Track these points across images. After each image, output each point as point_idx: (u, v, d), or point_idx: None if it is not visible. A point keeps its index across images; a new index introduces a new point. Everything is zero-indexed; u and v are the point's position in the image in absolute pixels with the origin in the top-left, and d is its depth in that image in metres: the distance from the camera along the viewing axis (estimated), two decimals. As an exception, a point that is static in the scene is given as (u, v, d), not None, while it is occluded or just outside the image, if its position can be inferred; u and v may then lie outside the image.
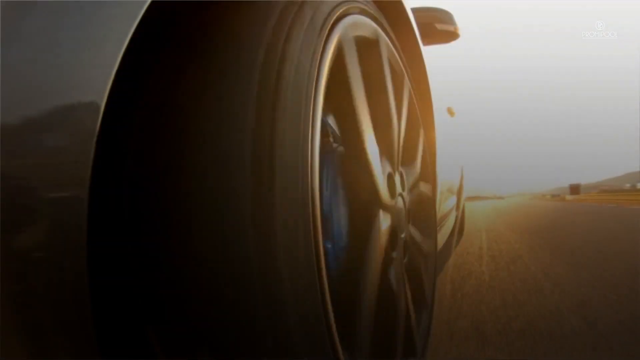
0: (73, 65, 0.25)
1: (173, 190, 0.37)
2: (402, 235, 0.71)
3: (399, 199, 0.71)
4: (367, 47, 0.64)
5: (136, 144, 0.39)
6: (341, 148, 0.56)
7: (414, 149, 0.94)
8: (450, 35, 1.42)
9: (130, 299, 0.39)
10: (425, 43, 1.21)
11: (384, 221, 0.60)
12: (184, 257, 0.37)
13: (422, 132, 0.99)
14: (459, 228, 3.46)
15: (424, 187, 0.97)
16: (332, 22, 0.49)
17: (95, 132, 0.25)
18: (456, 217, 2.96)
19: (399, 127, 0.76)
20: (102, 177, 0.32)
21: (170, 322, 0.40)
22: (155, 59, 0.41)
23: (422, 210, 0.98)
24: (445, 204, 1.65)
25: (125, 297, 0.39)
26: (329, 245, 0.52)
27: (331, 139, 0.55)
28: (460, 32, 1.44)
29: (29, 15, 0.23)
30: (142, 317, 0.39)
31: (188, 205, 0.37)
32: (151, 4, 0.29)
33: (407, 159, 0.88)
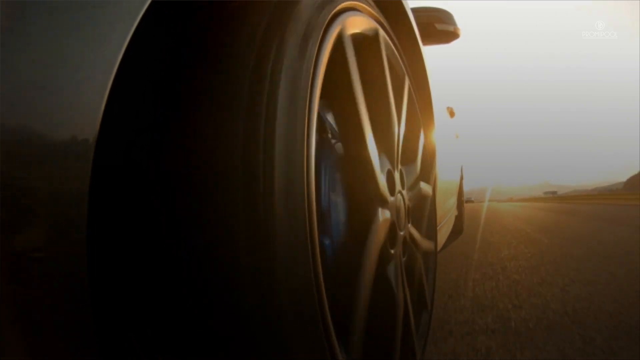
0: (73, 65, 0.25)
1: (172, 189, 0.37)
2: (402, 233, 0.71)
3: (399, 197, 0.71)
4: (365, 45, 0.64)
5: (136, 143, 0.39)
6: (339, 146, 0.56)
7: (413, 148, 0.94)
8: (450, 35, 1.42)
9: (130, 299, 0.39)
10: (425, 43, 1.22)
11: (383, 219, 0.60)
12: (182, 257, 0.37)
13: (422, 130, 0.99)
14: (459, 227, 3.47)
15: (423, 186, 0.97)
16: (328, 19, 0.49)
17: (95, 132, 0.25)
18: (456, 216, 2.96)
19: (398, 124, 0.76)
20: (102, 177, 0.32)
21: (168, 322, 0.40)
22: (154, 59, 0.41)
23: (422, 209, 0.98)
24: (445, 204, 1.65)
25: (125, 297, 0.39)
26: (327, 242, 0.52)
27: (329, 136, 0.55)
28: (460, 32, 1.44)
29: (29, 15, 0.23)
30: (142, 317, 0.39)
31: (188, 205, 0.37)
32: (151, 3, 0.29)
33: (407, 158, 0.88)
